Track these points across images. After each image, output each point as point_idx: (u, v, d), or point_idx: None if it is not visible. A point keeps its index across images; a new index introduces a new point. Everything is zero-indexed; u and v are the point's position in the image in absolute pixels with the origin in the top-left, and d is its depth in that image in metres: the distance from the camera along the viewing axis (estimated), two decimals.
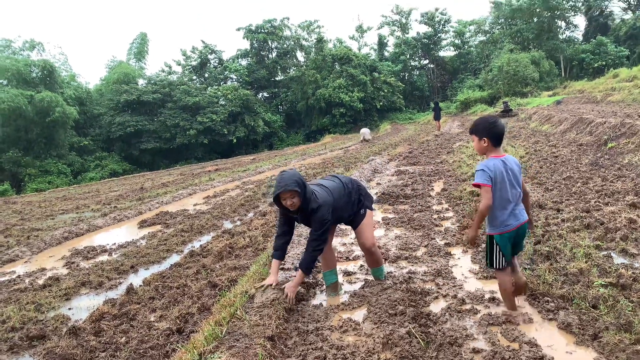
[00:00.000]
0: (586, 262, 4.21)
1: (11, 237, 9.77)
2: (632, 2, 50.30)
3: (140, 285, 5.54)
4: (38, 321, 4.78)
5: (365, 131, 28.76)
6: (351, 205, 4.26)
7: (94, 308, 4.99)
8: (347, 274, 4.93)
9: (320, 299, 4.39)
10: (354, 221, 4.34)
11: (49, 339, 4.29)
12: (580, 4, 46.46)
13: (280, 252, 4.17)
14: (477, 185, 3.44)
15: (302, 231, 6.39)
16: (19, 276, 6.73)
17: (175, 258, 6.82)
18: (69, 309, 5.17)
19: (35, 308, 5.09)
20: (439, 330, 3.40)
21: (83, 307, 5.19)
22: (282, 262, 4.58)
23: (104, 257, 7.36)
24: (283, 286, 4.11)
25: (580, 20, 52.24)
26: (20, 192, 29.45)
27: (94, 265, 6.88)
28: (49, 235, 9.30)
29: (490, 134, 3.49)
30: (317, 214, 3.88)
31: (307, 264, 4.00)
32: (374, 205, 4.76)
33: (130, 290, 5.30)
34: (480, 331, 3.39)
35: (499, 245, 3.48)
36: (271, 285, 4.15)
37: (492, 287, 4.14)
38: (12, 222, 11.94)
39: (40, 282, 6.27)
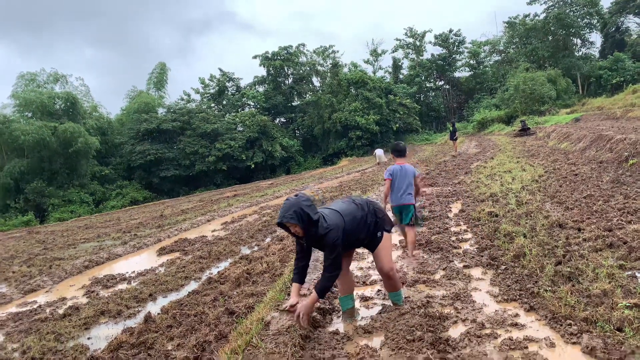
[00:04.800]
0: (610, 282, 4.10)
1: (34, 267, 9.90)
2: None
3: (158, 314, 5.54)
4: (57, 351, 4.81)
5: (379, 153, 27.98)
6: (367, 227, 4.18)
7: (112, 337, 4.99)
8: (364, 299, 4.88)
9: (336, 325, 4.33)
10: (371, 244, 4.29)
11: None
12: (595, 21, 46.26)
13: (298, 276, 4.09)
14: (385, 179, 6.20)
15: (319, 255, 6.35)
16: (40, 306, 6.79)
17: (193, 285, 6.83)
18: (88, 338, 5.19)
19: (55, 338, 5.12)
20: (458, 356, 3.33)
21: (102, 336, 5.21)
22: (302, 286, 4.44)
23: (123, 286, 7.40)
24: (294, 308, 3.99)
25: (596, 37, 52.04)
26: (44, 222, 30.01)
27: (113, 293, 6.92)
28: (70, 264, 9.42)
29: (393, 151, 6.41)
30: (326, 239, 3.83)
31: (321, 287, 3.90)
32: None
33: (148, 318, 5.30)
34: (500, 356, 3.30)
35: (392, 211, 6.26)
36: (292, 306, 4.04)
37: (513, 310, 4.06)
38: (35, 252, 12.13)
39: (61, 311, 6.32)
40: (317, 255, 6.36)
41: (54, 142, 33.36)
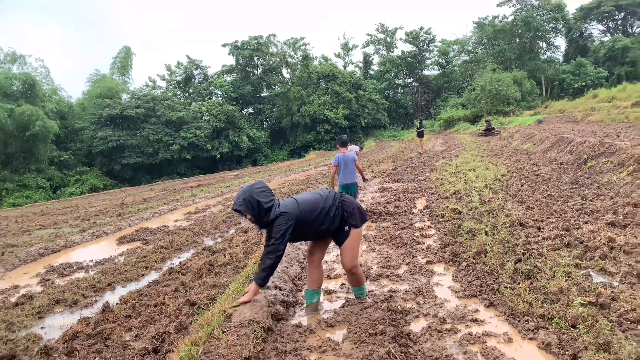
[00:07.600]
0: (566, 280, 4.22)
1: None
2: (611, 25, 51.78)
3: (116, 304, 5.40)
4: (9, 340, 4.64)
5: (351, 148, 28.05)
6: (330, 219, 4.16)
7: (67, 327, 4.84)
8: (328, 292, 4.87)
9: (299, 318, 4.31)
10: (338, 238, 4.27)
11: None
12: (560, 25, 47.56)
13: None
14: (333, 165, 7.93)
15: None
16: None
17: (153, 275, 6.69)
18: (42, 327, 5.02)
19: (6, 327, 4.93)
20: (419, 350, 3.36)
21: (56, 325, 5.04)
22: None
23: (80, 274, 7.19)
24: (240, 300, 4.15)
25: (560, 42, 53.49)
26: None
27: (69, 282, 6.71)
28: (24, 251, 9.09)
29: (338, 142, 8.05)
30: (275, 221, 3.93)
31: (260, 274, 4.00)
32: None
33: (106, 308, 5.17)
34: (460, 351, 3.35)
35: (340, 189, 7.60)
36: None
37: (474, 306, 4.13)
38: None
39: (13, 300, 6.09)
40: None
41: (10, 125, 32.03)
